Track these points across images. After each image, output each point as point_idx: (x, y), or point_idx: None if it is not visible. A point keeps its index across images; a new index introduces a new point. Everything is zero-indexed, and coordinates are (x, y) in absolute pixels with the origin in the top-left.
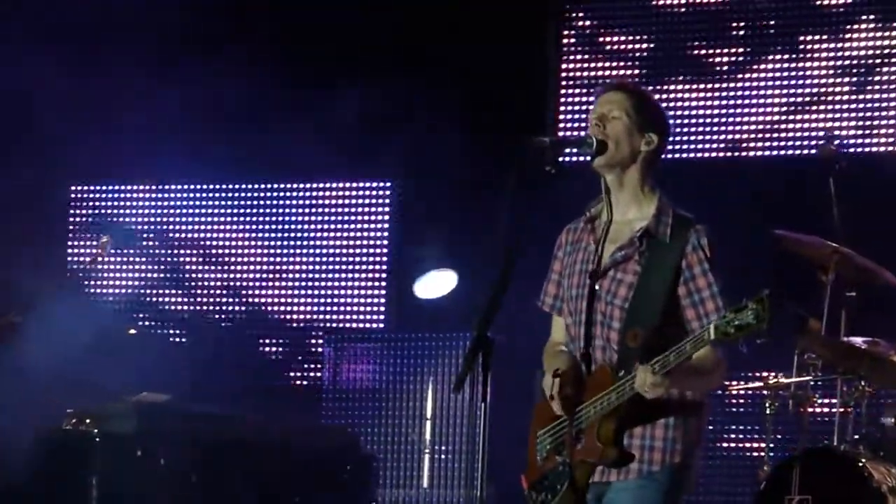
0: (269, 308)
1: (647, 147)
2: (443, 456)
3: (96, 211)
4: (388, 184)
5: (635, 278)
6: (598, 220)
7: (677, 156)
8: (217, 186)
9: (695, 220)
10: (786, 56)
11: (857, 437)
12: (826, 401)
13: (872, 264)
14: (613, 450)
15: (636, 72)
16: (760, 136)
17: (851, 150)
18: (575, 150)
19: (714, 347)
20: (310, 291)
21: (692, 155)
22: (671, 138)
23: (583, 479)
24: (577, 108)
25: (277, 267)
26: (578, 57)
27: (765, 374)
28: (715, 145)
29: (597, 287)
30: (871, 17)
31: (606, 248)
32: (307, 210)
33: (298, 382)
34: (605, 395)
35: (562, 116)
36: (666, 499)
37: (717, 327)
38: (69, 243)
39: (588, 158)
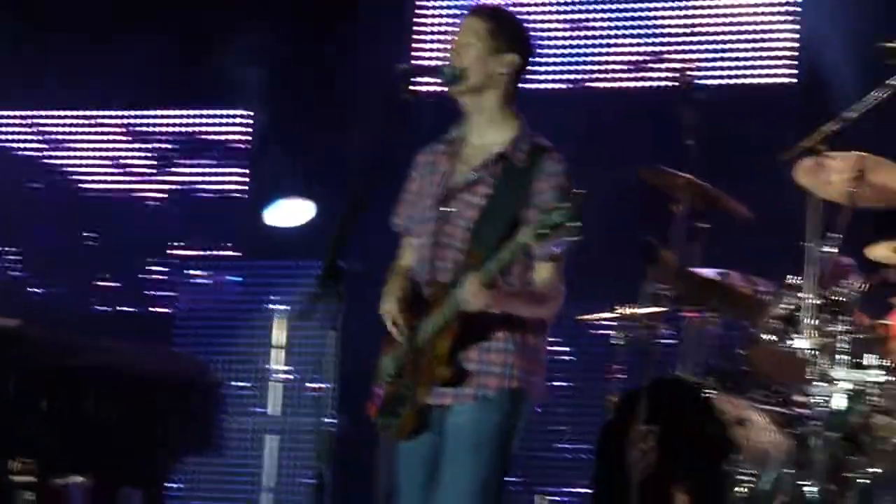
0: (123, 235)
1: (504, 69)
2: (293, 384)
3: None
4: (248, 113)
5: (484, 201)
6: (456, 144)
7: (535, 86)
8: (74, 113)
9: (552, 148)
10: None
11: (704, 368)
12: (676, 332)
13: (724, 196)
14: (446, 368)
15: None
16: (617, 66)
17: (707, 81)
18: (434, 79)
19: (555, 274)
20: (165, 219)
21: (549, 86)
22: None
23: (422, 399)
24: (437, 36)
25: (134, 194)
26: None
27: (616, 305)
28: (571, 76)
29: (446, 209)
30: None
31: (460, 170)
32: (164, 137)
33: (150, 310)
34: (440, 311)
35: (425, 46)
36: (502, 424)
37: (532, 229)
38: None
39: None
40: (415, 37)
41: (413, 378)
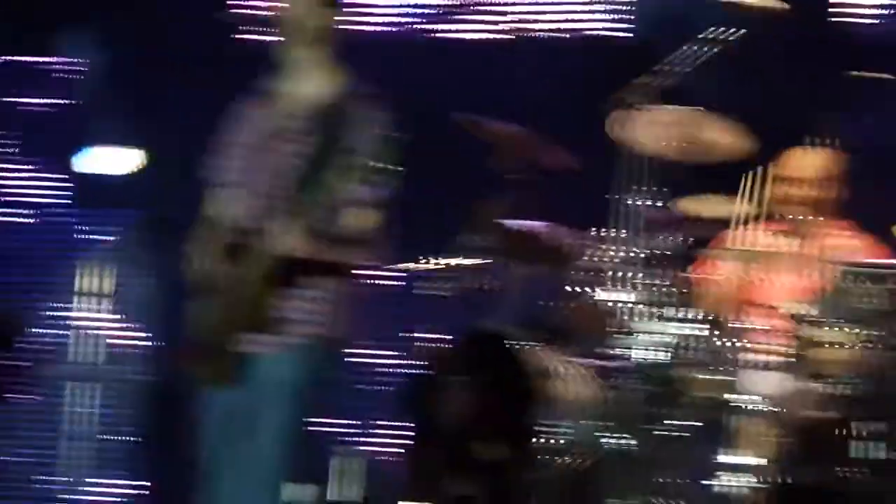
0: None
1: (322, 22)
2: (106, 332)
3: None
4: (76, 60)
5: (304, 149)
6: (275, 93)
7: (360, 31)
8: None
9: (372, 95)
10: None
11: (520, 320)
12: (493, 284)
13: (546, 148)
14: (262, 317)
15: None
16: (448, 15)
17: (537, 32)
18: (257, 28)
19: (374, 220)
20: None
21: (375, 28)
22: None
23: (238, 348)
24: None
25: None
26: None
27: (435, 256)
28: (399, 22)
29: (268, 158)
30: None
31: (278, 119)
32: None
33: None
34: (258, 260)
35: None
36: (312, 371)
37: (352, 174)
38: None
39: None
40: None
41: (228, 327)
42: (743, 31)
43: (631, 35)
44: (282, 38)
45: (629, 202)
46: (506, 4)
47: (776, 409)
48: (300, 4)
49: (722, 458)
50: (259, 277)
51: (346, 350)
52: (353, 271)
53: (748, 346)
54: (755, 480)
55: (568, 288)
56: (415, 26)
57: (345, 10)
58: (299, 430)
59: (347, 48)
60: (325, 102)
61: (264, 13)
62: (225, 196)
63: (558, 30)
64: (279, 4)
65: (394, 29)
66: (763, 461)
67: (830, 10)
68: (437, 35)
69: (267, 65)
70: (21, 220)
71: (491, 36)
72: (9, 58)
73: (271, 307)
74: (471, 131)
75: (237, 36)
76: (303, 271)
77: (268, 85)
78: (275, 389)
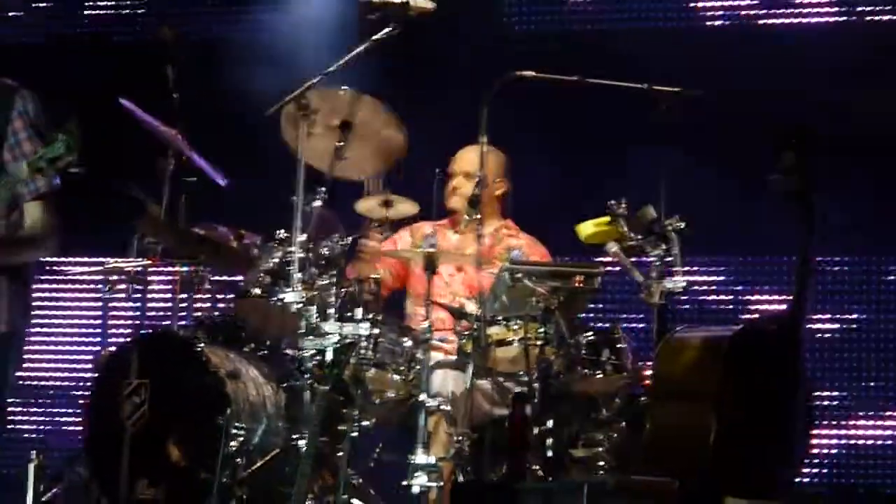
0: None
1: None
2: None
3: None
4: None
5: None
6: None
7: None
8: None
9: (20, 86)
10: None
11: (195, 321)
12: (166, 285)
13: (199, 158)
14: None
15: None
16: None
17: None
18: None
19: (47, 212)
20: None
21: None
22: None
23: None
24: None
25: None
26: None
27: (103, 258)
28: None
29: None
30: None
31: None
32: None
33: None
34: None
35: None
36: None
37: (30, 164)
38: None
39: None
40: None
41: None
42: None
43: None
44: None
45: (300, 203)
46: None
47: (453, 408)
48: None
49: (404, 457)
50: None
51: (21, 344)
52: (29, 265)
53: (423, 344)
54: (436, 478)
55: (244, 288)
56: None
57: None
58: None
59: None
60: None
61: None
62: None
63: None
64: None
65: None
66: (443, 459)
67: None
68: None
69: None
70: None
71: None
72: None
73: None
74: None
75: None
76: None
77: None
78: None
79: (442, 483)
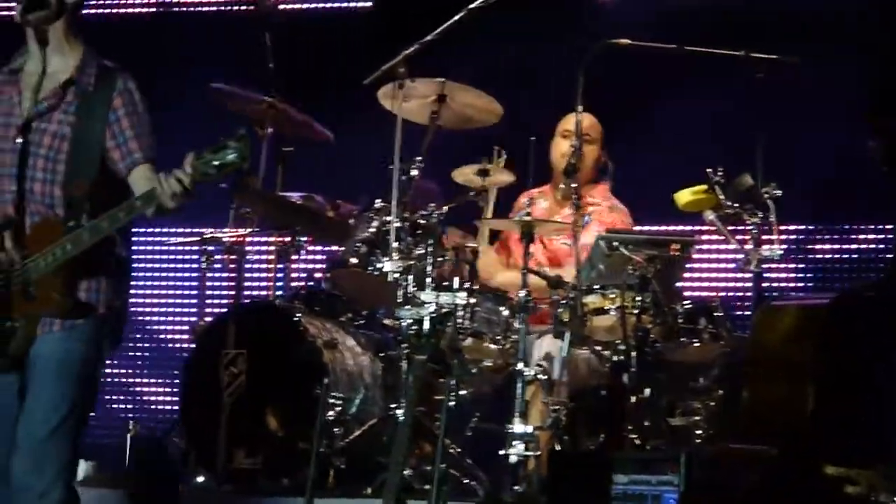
0: None
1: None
2: None
3: None
4: None
5: (64, 129)
6: (23, 73)
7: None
8: None
9: (119, 67)
10: None
11: (293, 291)
12: (264, 256)
13: (307, 119)
14: (69, 299)
15: None
16: None
17: (288, 5)
18: None
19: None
20: None
21: (131, 10)
22: None
23: (33, 333)
24: None
25: None
26: None
27: (201, 228)
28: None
29: (26, 140)
30: None
31: (29, 100)
32: None
33: None
34: (58, 245)
35: None
36: (89, 345)
37: (196, 167)
38: None
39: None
40: None
41: (21, 310)
42: None
43: (372, 6)
44: (25, 20)
45: (398, 172)
46: None
47: (550, 377)
48: None
49: (501, 426)
50: (62, 262)
51: (121, 325)
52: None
53: (522, 313)
54: (534, 447)
55: (342, 258)
56: (168, 2)
57: None
58: (73, 408)
59: (103, 26)
60: (72, 79)
61: None
62: None
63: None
64: None
65: (148, 6)
66: (540, 428)
67: None
68: (191, 10)
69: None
70: None
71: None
72: None
73: (70, 285)
74: (227, 103)
75: None
76: (82, 255)
77: (10, 65)
78: (49, 369)
79: (539, 452)
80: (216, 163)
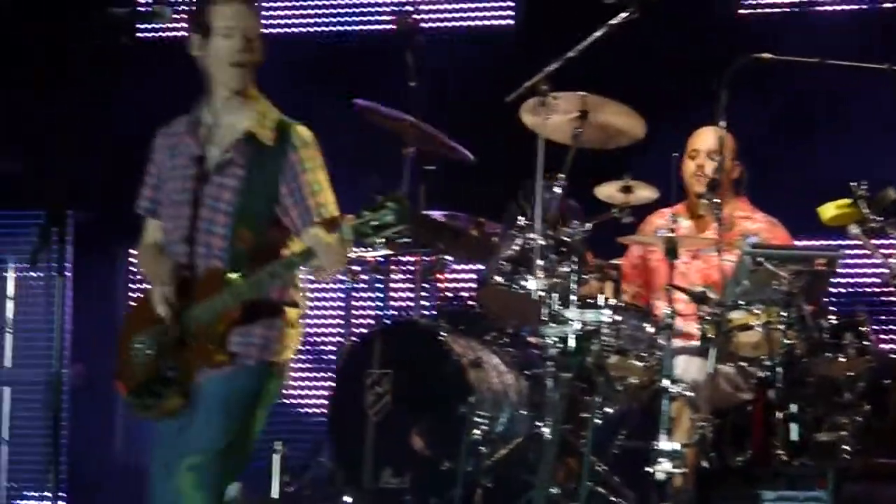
0: None
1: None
2: (25, 335)
3: None
4: None
5: (239, 182)
6: (200, 123)
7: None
8: None
9: (295, 121)
10: None
11: (437, 310)
12: (408, 275)
13: (447, 139)
14: (225, 354)
15: None
16: (335, 9)
17: (428, 24)
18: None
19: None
20: None
21: (277, 30)
22: None
23: (194, 381)
24: None
25: None
26: None
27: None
28: (291, 21)
29: (200, 192)
30: None
31: (210, 151)
32: None
33: None
34: (219, 297)
35: None
36: (256, 385)
37: (356, 228)
38: None
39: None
40: None
41: (178, 359)
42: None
43: (514, 24)
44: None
45: (541, 190)
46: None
47: (696, 393)
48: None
49: (647, 443)
50: (224, 313)
51: (285, 371)
52: (293, 301)
53: (666, 331)
54: (680, 464)
55: (486, 277)
56: (310, 23)
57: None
58: (234, 441)
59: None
60: (251, 131)
61: (155, 8)
62: (152, 228)
63: (450, 20)
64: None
65: (291, 27)
66: (687, 445)
67: None
68: (333, 30)
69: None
70: None
71: (385, 28)
72: None
73: (229, 341)
74: (371, 121)
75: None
76: (254, 303)
77: (190, 116)
78: (212, 402)
79: (686, 469)
80: (375, 223)
